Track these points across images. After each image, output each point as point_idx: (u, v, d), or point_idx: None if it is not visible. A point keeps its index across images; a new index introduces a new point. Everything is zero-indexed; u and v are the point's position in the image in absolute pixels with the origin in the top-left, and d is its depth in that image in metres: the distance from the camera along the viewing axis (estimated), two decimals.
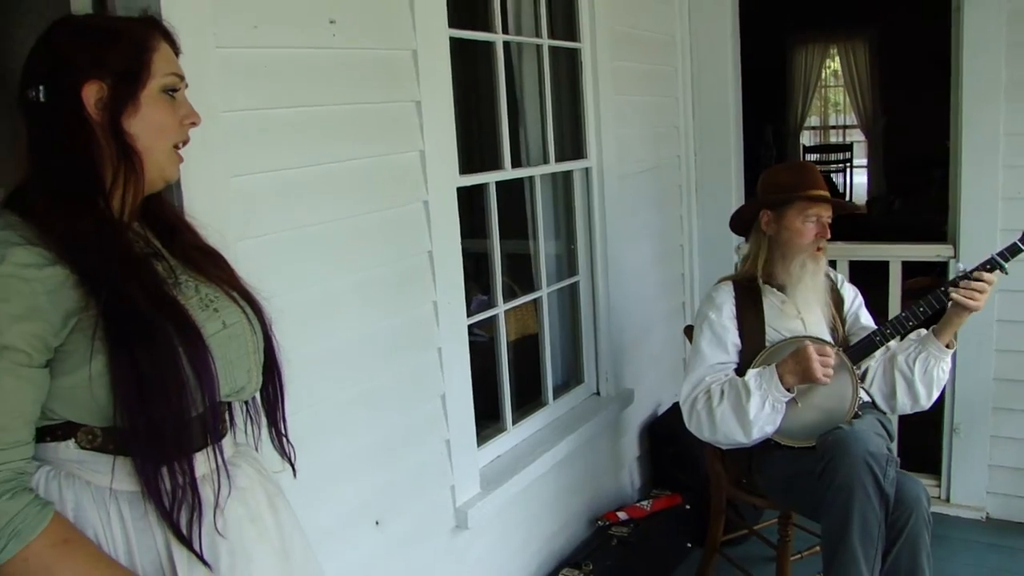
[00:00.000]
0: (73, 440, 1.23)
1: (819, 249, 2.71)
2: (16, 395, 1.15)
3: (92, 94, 1.23)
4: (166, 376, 1.19)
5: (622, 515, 3.17)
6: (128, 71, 1.25)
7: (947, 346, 2.61)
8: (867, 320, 2.85)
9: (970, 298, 2.51)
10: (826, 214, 2.71)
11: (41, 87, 1.23)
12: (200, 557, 1.25)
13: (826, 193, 2.73)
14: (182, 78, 1.32)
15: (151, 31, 1.30)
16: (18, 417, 1.15)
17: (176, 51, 1.34)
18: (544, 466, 2.85)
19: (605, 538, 3.06)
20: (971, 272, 2.55)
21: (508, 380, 2.86)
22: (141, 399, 1.18)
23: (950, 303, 2.58)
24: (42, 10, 1.59)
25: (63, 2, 1.62)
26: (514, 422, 2.90)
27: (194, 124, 1.35)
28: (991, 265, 2.56)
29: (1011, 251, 2.57)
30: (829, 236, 2.72)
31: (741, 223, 2.90)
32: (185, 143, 1.35)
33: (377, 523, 2.22)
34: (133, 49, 1.26)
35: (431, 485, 2.42)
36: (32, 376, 1.16)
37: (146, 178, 1.29)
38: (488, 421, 2.81)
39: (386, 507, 2.25)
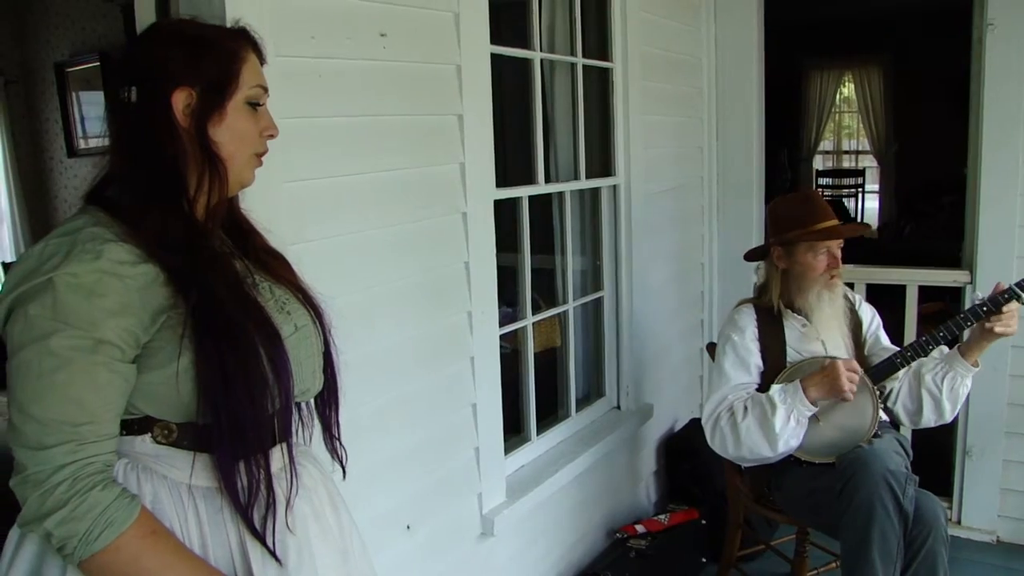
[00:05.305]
0: (149, 435, 1.25)
1: (832, 277, 2.73)
2: (109, 389, 1.17)
3: (181, 100, 1.25)
4: (250, 374, 1.23)
5: (640, 528, 3.20)
6: (218, 81, 1.28)
7: (973, 365, 2.65)
8: (884, 340, 2.87)
9: (1008, 327, 2.55)
10: (836, 244, 2.73)
11: (133, 88, 1.26)
12: (273, 553, 1.27)
13: (833, 223, 2.72)
14: (266, 90, 1.35)
15: (242, 42, 1.32)
16: (110, 410, 1.18)
17: (262, 61, 1.37)
18: (566, 477, 2.88)
19: (623, 550, 3.09)
20: (987, 299, 2.58)
21: (533, 391, 2.89)
22: (226, 395, 1.21)
23: (988, 328, 2.58)
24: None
25: None
26: (538, 433, 2.94)
27: (272, 136, 1.37)
28: (1008, 295, 2.56)
29: None
30: (840, 265, 2.73)
31: (754, 255, 2.94)
32: (263, 153, 1.38)
33: (408, 527, 2.26)
34: (225, 60, 1.29)
35: (460, 492, 2.46)
36: (123, 370, 1.18)
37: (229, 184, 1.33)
38: (512, 431, 2.84)
39: (417, 512, 2.29)
